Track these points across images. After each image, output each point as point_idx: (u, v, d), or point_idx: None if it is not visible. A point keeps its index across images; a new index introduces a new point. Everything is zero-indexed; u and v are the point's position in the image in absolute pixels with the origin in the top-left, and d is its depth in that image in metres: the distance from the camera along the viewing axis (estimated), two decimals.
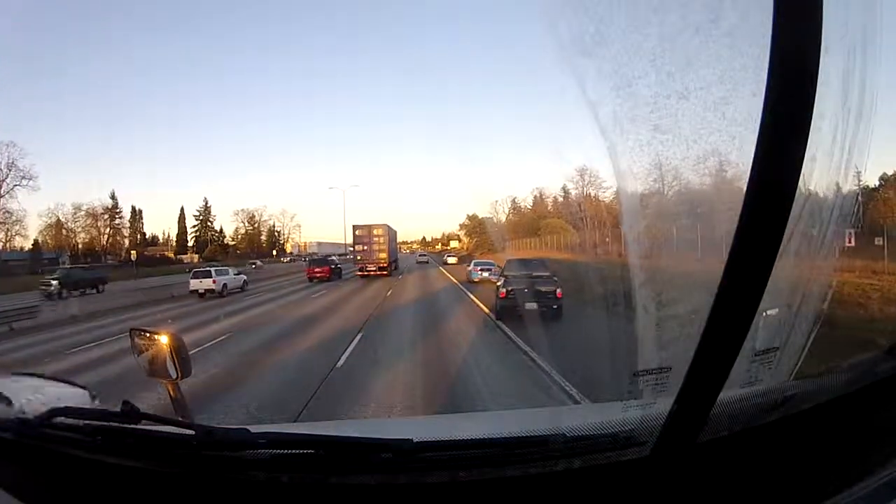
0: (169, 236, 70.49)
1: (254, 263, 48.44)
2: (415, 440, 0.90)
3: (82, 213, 59.04)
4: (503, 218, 54.74)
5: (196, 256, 64.65)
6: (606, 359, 5.33)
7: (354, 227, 27.18)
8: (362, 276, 25.68)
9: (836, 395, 0.88)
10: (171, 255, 64.75)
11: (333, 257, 31.07)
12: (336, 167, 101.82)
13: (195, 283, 20.17)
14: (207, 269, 21.99)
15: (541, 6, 1.11)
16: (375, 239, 26.95)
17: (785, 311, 1.15)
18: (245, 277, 23.59)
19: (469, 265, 23.08)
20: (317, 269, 25.17)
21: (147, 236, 68.14)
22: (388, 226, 28.07)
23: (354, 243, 27.45)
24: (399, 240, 37.59)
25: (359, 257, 26.92)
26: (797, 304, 1.16)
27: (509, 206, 55.57)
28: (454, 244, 68.58)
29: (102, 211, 60.24)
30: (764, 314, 1.02)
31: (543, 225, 42.00)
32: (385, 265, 26.31)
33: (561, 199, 49.66)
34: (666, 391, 0.98)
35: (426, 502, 0.88)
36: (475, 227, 49.34)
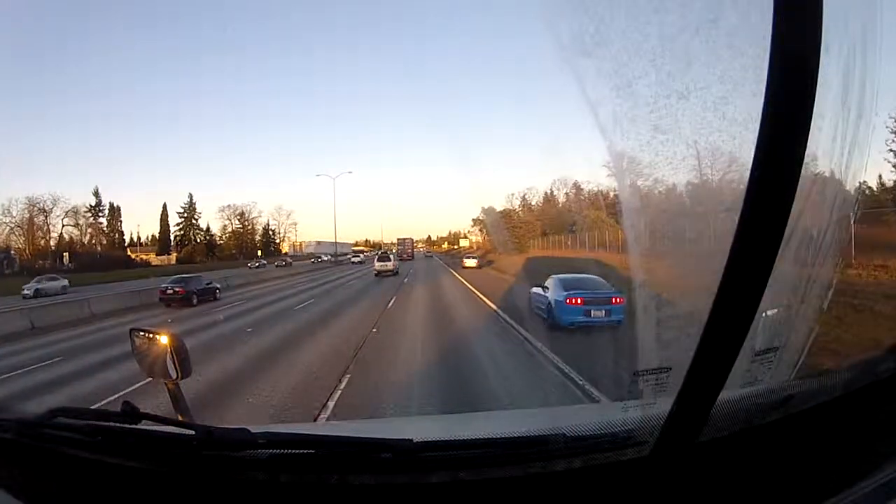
0: (164, 235, 65.58)
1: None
2: (415, 440, 0.90)
3: (36, 209, 52.43)
4: (519, 214, 50.79)
5: (174, 256, 60.99)
6: None
7: (398, 238, 57.03)
8: (400, 260, 47.29)
9: (837, 395, 0.88)
10: (137, 256, 59.90)
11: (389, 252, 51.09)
12: (336, 166, 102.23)
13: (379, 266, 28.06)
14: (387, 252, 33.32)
15: (541, 6, 1.12)
16: (406, 243, 55.04)
17: (785, 311, 1.15)
18: None
19: (546, 288, 9.86)
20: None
21: (124, 235, 62.31)
22: (412, 237, 59.60)
23: (397, 245, 55.02)
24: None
25: (399, 251, 50.58)
26: (797, 304, 1.17)
27: (520, 201, 53.14)
28: (464, 243, 66.26)
29: (52, 207, 53.11)
30: (764, 314, 1.02)
31: (579, 220, 35.57)
32: (411, 255, 52.55)
33: (572, 195, 47.69)
34: (666, 391, 0.98)
35: (426, 502, 0.89)
36: (493, 222, 42.71)
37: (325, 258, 57.23)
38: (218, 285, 19.26)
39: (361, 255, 56.80)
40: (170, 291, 16.99)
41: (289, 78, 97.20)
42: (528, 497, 0.86)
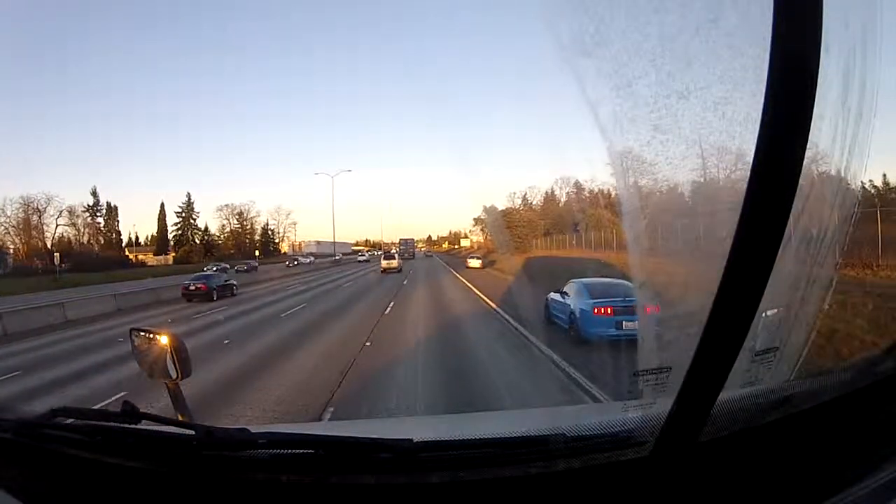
0: (162, 235, 63.93)
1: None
2: (415, 440, 0.90)
3: (31, 208, 51.45)
4: (521, 213, 49.00)
5: (171, 256, 59.95)
6: None
7: (400, 239, 64.32)
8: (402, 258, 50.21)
9: (836, 395, 0.88)
10: (134, 256, 59.22)
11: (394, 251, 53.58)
12: (336, 166, 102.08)
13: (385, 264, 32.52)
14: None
15: (541, 6, 1.12)
16: (408, 243, 61.47)
17: (785, 311, 1.16)
18: None
19: (567, 294, 8.59)
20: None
21: (121, 235, 60.79)
22: (413, 238, 66.87)
23: (399, 245, 61.24)
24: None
25: (401, 251, 55.11)
26: (797, 304, 1.17)
27: (521, 201, 52.09)
28: (465, 243, 66.71)
29: (45, 206, 51.92)
30: (764, 314, 1.02)
31: (583, 219, 33.78)
32: (412, 254, 58.03)
33: (573, 195, 46.93)
34: (666, 391, 0.98)
35: (426, 502, 0.88)
36: (494, 221, 39.32)
37: (308, 261, 49.50)
38: (235, 282, 21.37)
39: (367, 255, 61.79)
40: (192, 288, 18.82)
41: (288, 77, 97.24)
42: (528, 497, 0.86)
